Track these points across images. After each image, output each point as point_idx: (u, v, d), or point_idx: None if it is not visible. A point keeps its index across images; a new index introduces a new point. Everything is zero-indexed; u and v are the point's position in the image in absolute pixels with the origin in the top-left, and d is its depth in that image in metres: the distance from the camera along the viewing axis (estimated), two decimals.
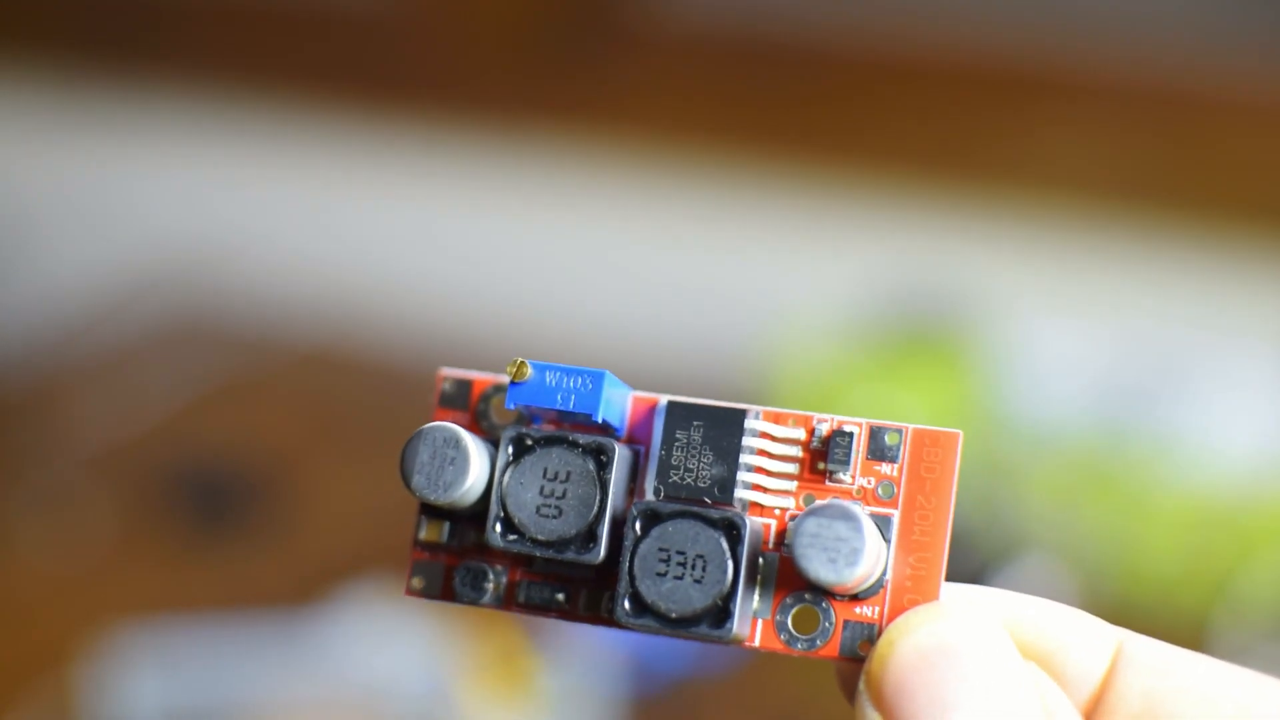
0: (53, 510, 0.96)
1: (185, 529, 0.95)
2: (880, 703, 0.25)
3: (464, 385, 0.30)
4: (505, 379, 0.29)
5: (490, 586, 0.29)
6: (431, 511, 0.30)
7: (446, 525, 0.30)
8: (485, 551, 0.30)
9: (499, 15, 1.16)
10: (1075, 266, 1.04)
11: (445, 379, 0.30)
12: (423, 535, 0.30)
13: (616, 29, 1.14)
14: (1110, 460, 0.89)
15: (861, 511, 0.27)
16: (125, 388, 1.09)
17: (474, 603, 0.29)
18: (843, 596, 0.28)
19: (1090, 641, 0.27)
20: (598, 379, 0.28)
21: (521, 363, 0.28)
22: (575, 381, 0.29)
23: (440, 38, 1.18)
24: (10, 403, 1.09)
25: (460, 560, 0.30)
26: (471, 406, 0.30)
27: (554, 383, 0.29)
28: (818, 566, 0.26)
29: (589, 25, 1.15)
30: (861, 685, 0.26)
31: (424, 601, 0.30)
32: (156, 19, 1.28)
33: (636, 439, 0.29)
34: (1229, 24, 1.04)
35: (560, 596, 0.29)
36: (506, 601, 0.29)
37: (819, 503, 0.27)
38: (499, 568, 0.29)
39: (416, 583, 0.30)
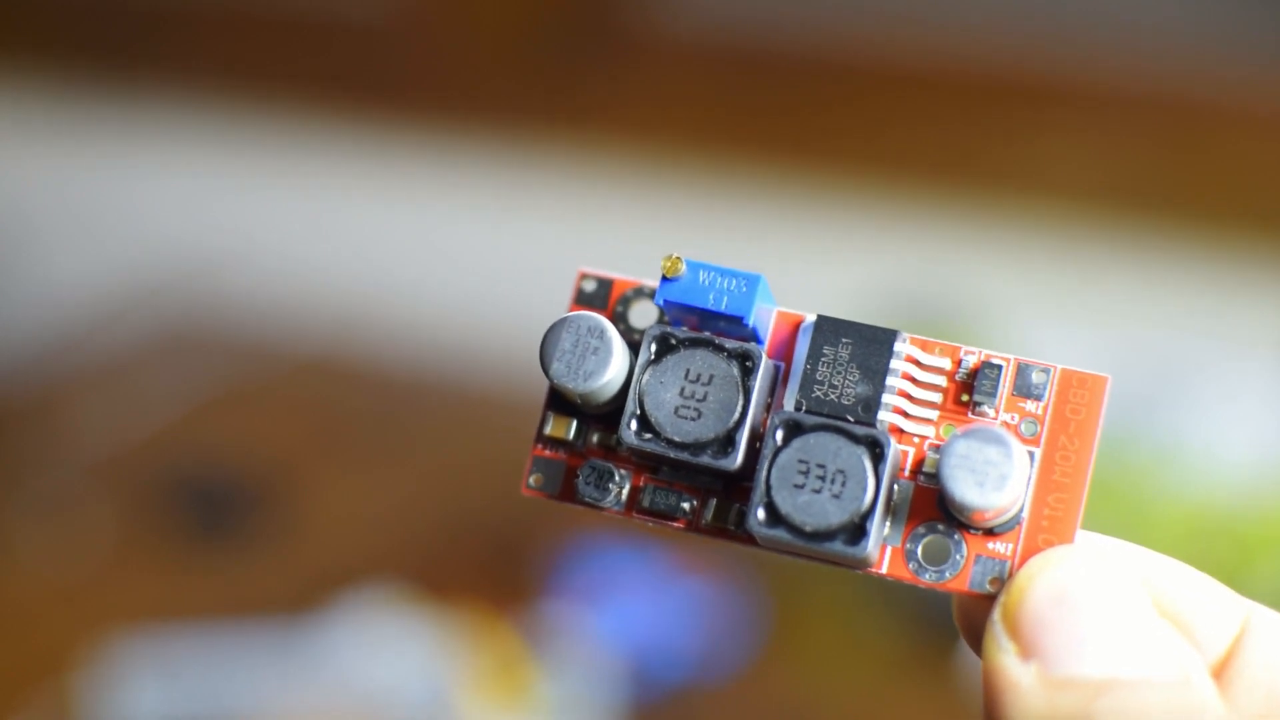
0: (53, 517, 0.96)
1: (185, 536, 0.95)
2: (1016, 633, 0.26)
3: (604, 285, 0.29)
4: (646, 282, 0.29)
5: (614, 488, 0.28)
6: (560, 406, 0.29)
7: (574, 423, 0.29)
8: (609, 455, 0.29)
9: (499, 23, 1.16)
10: (1075, 274, 1.04)
11: (585, 277, 0.29)
12: (548, 430, 0.29)
13: (618, 36, 1.15)
14: (1110, 468, 0.89)
15: (1013, 439, 0.26)
16: (125, 395, 1.09)
17: (595, 504, 0.28)
18: (977, 529, 0.27)
19: (1220, 608, 0.27)
20: (753, 282, 0.28)
21: (676, 258, 0.28)
22: (729, 283, 0.28)
23: (441, 45, 1.18)
24: (10, 409, 1.09)
25: (583, 461, 0.29)
26: (610, 307, 0.29)
27: (707, 282, 0.28)
28: (964, 488, 0.26)
29: (590, 32, 1.15)
30: (996, 615, 0.26)
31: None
32: (156, 25, 1.28)
33: (776, 356, 0.29)
34: (1229, 32, 1.04)
35: (686, 505, 0.28)
36: (629, 506, 0.28)
37: (970, 425, 0.27)
38: (624, 471, 0.28)
39: (535, 480, 0.29)
